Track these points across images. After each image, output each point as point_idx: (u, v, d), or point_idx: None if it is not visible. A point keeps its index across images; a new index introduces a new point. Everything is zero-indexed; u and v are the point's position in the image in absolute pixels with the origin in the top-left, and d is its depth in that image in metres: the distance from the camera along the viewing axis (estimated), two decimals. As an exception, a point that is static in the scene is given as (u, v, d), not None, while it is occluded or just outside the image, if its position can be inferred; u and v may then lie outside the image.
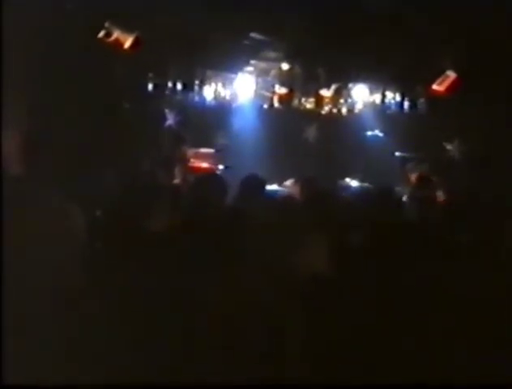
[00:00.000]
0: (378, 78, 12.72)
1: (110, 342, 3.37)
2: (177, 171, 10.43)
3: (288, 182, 9.97)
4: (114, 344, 3.37)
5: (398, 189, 10.70)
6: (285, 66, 12.85)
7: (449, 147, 12.33)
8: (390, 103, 13.03)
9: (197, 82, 12.66)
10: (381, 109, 13.16)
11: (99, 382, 3.23)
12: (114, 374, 3.27)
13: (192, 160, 11.67)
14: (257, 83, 13.02)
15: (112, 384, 3.26)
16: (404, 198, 8.19)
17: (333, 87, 12.94)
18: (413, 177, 10.70)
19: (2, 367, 3.13)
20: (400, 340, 3.67)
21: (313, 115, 13.26)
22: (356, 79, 13.00)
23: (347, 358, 3.62)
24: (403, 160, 12.36)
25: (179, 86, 12.33)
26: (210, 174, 9.20)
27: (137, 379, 3.30)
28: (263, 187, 6.23)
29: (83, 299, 3.38)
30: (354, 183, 11.43)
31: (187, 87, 12.44)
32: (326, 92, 13.01)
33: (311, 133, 13.29)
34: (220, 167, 11.75)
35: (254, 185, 6.00)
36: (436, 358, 3.68)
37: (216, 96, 12.99)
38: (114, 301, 3.50)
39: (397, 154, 12.61)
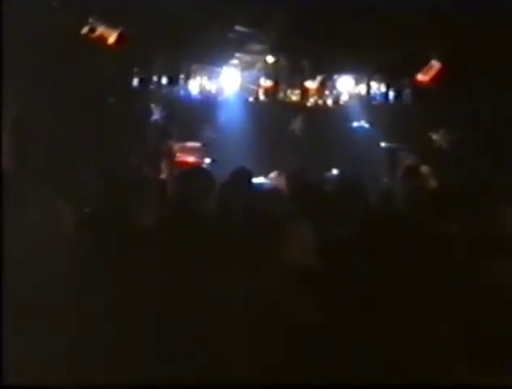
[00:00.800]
0: (363, 69, 12.72)
1: (110, 342, 3.37)
2: (164, 165, 10.44)
3: (274, 174, 10.00)
4: (114, 343, 3.37)
5: (384, 179, 10.77)
6: (270, 59, 12.83)
7: (435, 136, 12.36)
8: (375, 94, 13.03)
9: (182, 76, 12.62)
10: (367, 99, 13.16)
11: (99, 382, 3.23)
12: (114, 374, 3.26)
13: (178, 154, 11.68)
14: (242, 77, 12.99)
15: (112, 384, 3.26)
16: (391, 189, 8.21)
17: (318, 78, 12.93)
18: (394, 166, 10.75)
19: (1, 367, 3.13)
20: (390, 333, 3.67)
21: (299, 107, 13.26)
22: (341, 70, 13.00)
23: (337, 354, 3.61)
24: (389, 150, 12.39)
25: (164, 80, 12.30)
26: (196, 168, 9.20)
27: (137, 379, 3.30)
28: (250, 180, 6.24)
29: (79, 297, 3.38)
30: (340, 174, 11.44)
31: (172, 81, 12.41)
32: (311, 84, 13.01)
33: (297, 125, 13.30)
34: (207, 160, 11.76)
35: (241, 178, 6.01)
36: (428, 353, 3.67)
37: (202, 90, 12.96)
38: (110, 299, 3.50)
39: (383, 145, 12.63)
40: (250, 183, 6.24)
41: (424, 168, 10.02)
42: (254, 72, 13.05)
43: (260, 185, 8.91)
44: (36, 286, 3.28)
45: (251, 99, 13.17)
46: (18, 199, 3.70)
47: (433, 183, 9.50)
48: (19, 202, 3.69)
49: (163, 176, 9.87)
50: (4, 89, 4.88)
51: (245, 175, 6.16)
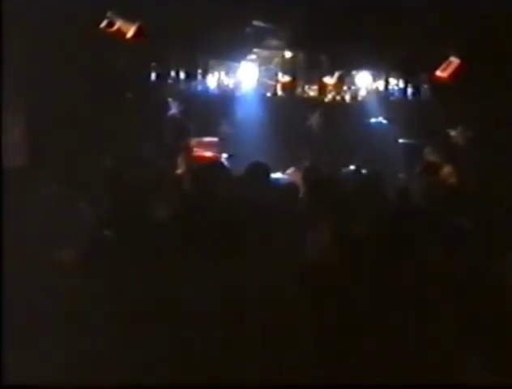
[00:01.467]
0: (381, 65, 12.68)
1: (110, 341, 3.37)
2: (181, 160, 10.44)
3: (291, 170, 9.99)
4: (114, 343, 3.38)
5: (401, 175, 10.74)
6: (288, 54, 12.83)
7: (452, 133, 12.31)
8: (393, 90, 13.01)
9: (200, 71, 12.65)
10: (385, 95, 13.13)
11: (99, 382, 3.23)
12: (114, 374, 3.27)
13: (195, 149, 11.68)
14: (260, 72, 12.99)
15: (112, 384, 3.27)
16: (408, 185, 8.18)
17: (336, 74, 12.91)
18: (412, 163, 10.71)
19: (1, 367, 3.14)
20: (403, 329, 3.66)
21: (317, 103, 13.24)
22: (359, 66, 12.97)
23: (351, 351, 3.61)
24: (406, 146, 12.35)
25: (182, 75, 12.33)
26: (213, 163, 9.19)
27: (137, 379, 3.31)
28: (267, 175, 6.23)
29: (84, 296, 3.38)
30: (358, 170, 11.41)
31: (190, 76, 12.43)
32: (329, 80, 12.99)
33: (314, 120, 13.28)
34: (224, 155, 11.75)
35: (258, 173, 6.00)
36: (442, 350, 3.66)
37: (219, 85, 12.98)
38: (114, 297, 3.50)
39: (400, 141, 12.59)
40: (268, 178, 6.24)
41: (447, 168, 9.98)
42: (272, 67, 13.05)
43: (277, 180, 8.91)
44: (36, 286, 3.29)
45: (269, 94, 13.17)
46: (31, 194, 3.71)
47: (450, 180, 9.46)
48: (32, 196, 3.70)
49: (180, 171, 9.88)
50: (19, 84, 4.90)
51: (262, 170, 6.16)
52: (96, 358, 3.26)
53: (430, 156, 10.74)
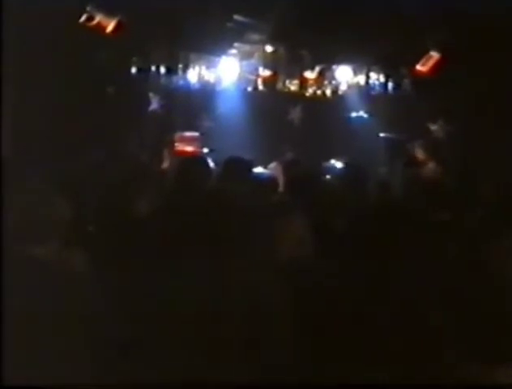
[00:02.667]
0: (362, 59, 12.70)
1: (110, 341, 3.36)
2: (162, 155, 10.41)
3: (273, 165, 9.99)
4: (113, 343, 3.36)
5: (383, 170, 10.76)
6: (269, 49, 12.81)
7: (433, 127, 12.35)
8: (374, 84, 13.02)
9: (180, 65, 12.60)
10: (366, 90, 13.15)
11: (99, 382, 3.22)
12: (114, 374, 3.26)
13: (177, 143, 11.66)
14: (241, 66, 12.96)
15: (112, 384, 3.25)
16: (390, 179, 8.21)
17: (317, 68, 12.91)
18: (392, 157, 10.74)
19: (1, 367, 3.12)
20: (388, 326, 3.65)
21: (298, 97, 13.25)
22: (340, 60, 12.97)
23: (329, 348, 3.60)
24: (387, 141, 12.38)
25: (163, 70, 12.28)
26: (194, 157, 9.18)
27: (137, 379, 3.29)
28: (249, 169, 6.23)
29: (81, 295, 3.36)
30: (339, 165, 11.43)
31: (171, 70, 12.39)
32: (310, 74, 12.99)
33: (296, 115, 13.28)
34: (205, 150, 11.74)
35: (239, 167, 5.99)
36: (427, 345, 3.65)
37: (200, 80, 12.94)
38: (109, 295, 3.48)
39: (382, 135, 12.62)
40: (249, 173, 6.23)
41: (428, 161, 10.01)
42: (253, 62, 13.02)
43: (259, 175, 8.90)
44: (35, 285, 3.27)
45: (250, 89, 13.14)
46: (16, 189, 3.68)
47: (431, 173, 9.50)
48: (18, 191, 3.67)
49: (161, 165, 9.86)
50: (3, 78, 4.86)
51: (242, 164, 6.15)
52: (96, 358, 3.24)
53: (413, 150, 10.78)
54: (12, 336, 3.13)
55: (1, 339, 3.13)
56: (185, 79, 12.76)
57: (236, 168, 5.92)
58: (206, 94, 12.97)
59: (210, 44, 12.16)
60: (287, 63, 12.99)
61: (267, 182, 6.47)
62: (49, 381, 3.09)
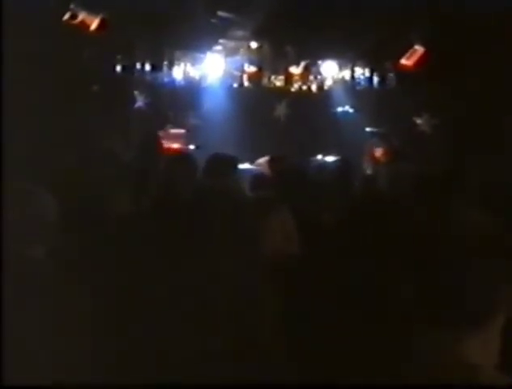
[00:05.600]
0: (347, 54, 12.73)
1: (109, 341, 3.35)
2: (148, 152, 10.39)
3: (259, 160, 10.00)
4: (113, 343, 3.36)
5: (369, 164, 10.80)
6: (254, 45, 12.82)
7: (419, 121, 12.39)
8: (359, 79, 13.05)
9: (165, 62, 12.60)
10: (351, 84, 13.18)
11: (99, 382, 3.21)
12: (114, 374, 3.25)
13: (163, 140, 11.64)
14: (226, 63, 12.97)
15: (112, 384, 3.25)
16: (373, 173, 8.23)
17: (302, 64, 12.93)
18: (378, 151, 10.76)
19: (1, 367, 3.11)
20: (377, 323, 3.65)
21: (283, 93, 13.26)
22: (325, 55, 13.00)
23: (319, 345, 3.60)
24: (373, 135, 12.41)
25: (148, 67, 12.27)
26: (180, 155, 9.17)
27: (137, 379, 3.29)
28: (234, 166, 6.22)
29: (78, 296, 3.36)
30: (325, 160, 11.45)
31: (156, 68, 12.38)
32: (295, 70, 13.01)
33: (281, 110, 13.30)
34: (191, 147, 11.73)
35: (223, 164, 5.98)
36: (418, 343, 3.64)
37: (186, 76, 12.93)
38: (99, 294, 3.47)
39: (368, 129, 12.65)
40: (235, 169, 6.23)
41: (408, 152, 10.05)
42: (238, 58, 13.03)
43: (245, 171, 8.91)
44: (35, 285, 3.26)
45: (235, 85, 13.15)
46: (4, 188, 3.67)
47: (416, 167, 9.52)
48: (5, 191, 3.66)
49: (147, 163, 9.83)
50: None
51: (228, 161, 6.14)
52: (95, 358, 3.24)
53: (392, 143, 10.83)
54: (12, 336, 3.12)
55: (1, 339, 3.12)
56: (170, 76, 12.75)
57: (221, 164, 5.91)
58: (192, 91, 12.96)
59: (195, 41, 12.16)
60: (272, 59, 13.01)
61: (254, 178, 6.47)
62: (49, 381, 3.08)
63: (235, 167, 6.15)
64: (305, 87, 13.21)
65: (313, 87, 13.26)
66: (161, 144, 11.40)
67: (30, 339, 3.12)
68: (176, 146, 11.66)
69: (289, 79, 13.11)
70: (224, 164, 5.88)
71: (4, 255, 3.25)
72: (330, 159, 11.36)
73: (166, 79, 12.76)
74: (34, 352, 3.11)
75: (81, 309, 3.28)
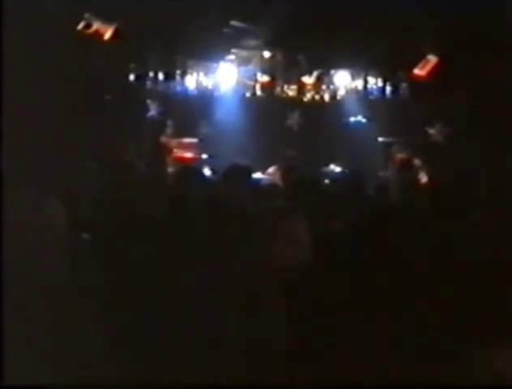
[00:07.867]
0: (360, 64, 12.71)
1: (109, 341, 3.36)
2: (161, 161, 10.42)
3: (271, 170, 10.00)
4: (113, 343, 3.37)
5: (381, 174, 10.77)
6: (267, 54, 12.84)
7: (431, 131, 12.36)
8: (372, 88, 13.03)
9: (178, 72, 12.63)
10: (364, 94, 13.16)
11: (99, 382, 3.22)
12: (114, 374, 3.26)
13: (175, 149, 11.66)
14: (239, 72, 12.98)
15: (112, 384, 3.26)
16: (388, 183, 8.21)
17: (315, 73, 12.93)
18: (395, 161, 10.75)
19: (1, 367, 3.12)
20: (388, 330, 3.65)
21: (296, 102, 13.25)
22: (338, 65, 12.99)
23: (334, 346, 3.60)
24: (386, 145, 12.38)
25: (161, 76, 12.30)
26: (193, 164, 9.20)
27: (137, 379, 3.29)
28: (248, 176, 6.22)
29: (78, 298, 3.37)
30: (338, 169, 11.44)
31: (169, 77, 12.42)
32: (308, 79, 13.01)
33: (294, 120, 13.28)
34: (204, 156, 11.75)
35: (238, 174, 5.99)
36: (429, 347, 3.65)
37: (198, 86, 12.95)
38: (107, 298, 3.49)
39: (380, 139, 12.62)
40: (249, 179, 6.23)
41: (421, 163, 10.03)
42: (251, 67, 13.04)
43: (258, 180, 8.91)
44: (35, 286, 3.27)
45: (248, 94, 13.16)
46: (14, 199, 3.69)
47: (429, 177, 9.51)
48: (16, 202, 3.68)
49: (160, 172, 9.86)
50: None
51: (242, 171, 6.14)
52: (95, 358, 3.25)
53: (407, 153, 10.80)
54: (12, 336, 3.14)
55: (1, 339, 3.13)
56: (183, 85, 12.77)
57: (236, 174, 5.92)
58: (205, 100, 12.98)
59: (207, 50, 12.18)
60: (285, 68, 13.01)
61: (266, 188, 6.47)
62: (49, 381, 3.09)
63: (250, 176, 6.16)
64: (317, 97, 13.20)
65: (326, 97, 13.25)
66: (173, 153, 11.47)
67: (30, 340, 3.13)
68: (188, 155, 11.68)
69: (302, 88, 13.11)
70: (240, 174, 5.88)
71: (5, 255, 3.27)
72: (342, 168, 11.35)
73: (179, 88, 12.78)
74: (34, 352, 3.12)
75: (85, 312, 3.29)
